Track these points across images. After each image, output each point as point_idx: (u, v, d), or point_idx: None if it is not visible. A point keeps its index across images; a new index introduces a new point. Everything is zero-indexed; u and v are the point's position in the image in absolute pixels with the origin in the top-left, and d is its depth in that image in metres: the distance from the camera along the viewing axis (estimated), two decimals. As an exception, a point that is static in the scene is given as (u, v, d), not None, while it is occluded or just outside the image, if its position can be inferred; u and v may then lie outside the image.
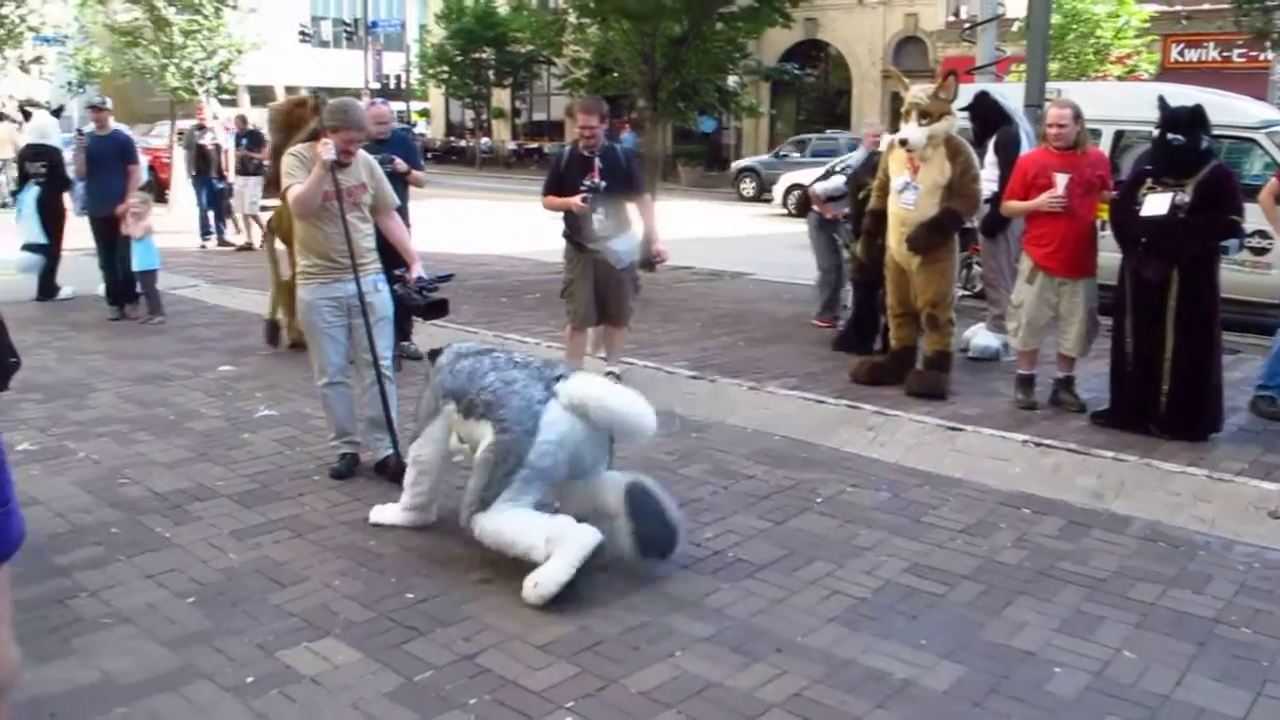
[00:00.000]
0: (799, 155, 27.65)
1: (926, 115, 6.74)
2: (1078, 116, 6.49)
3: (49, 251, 10.55)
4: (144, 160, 12.56)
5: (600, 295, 7.16)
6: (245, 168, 14.97)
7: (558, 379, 4.36)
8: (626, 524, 4.35)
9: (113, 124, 10.47)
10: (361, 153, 5.64)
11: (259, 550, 4.66)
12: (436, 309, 5.76)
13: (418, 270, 5.71)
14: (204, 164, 15.34)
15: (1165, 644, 3.91)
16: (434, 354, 4.98)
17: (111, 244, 9.89)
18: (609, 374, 7.20)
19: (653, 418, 4.33)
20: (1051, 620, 4.08)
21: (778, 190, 23.94)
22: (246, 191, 14.91)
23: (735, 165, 30.22)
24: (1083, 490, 5.48)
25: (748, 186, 27.62)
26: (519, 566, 4.41)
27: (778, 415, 6.72)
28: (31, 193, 10.43)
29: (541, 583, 4.09)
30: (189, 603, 4.15)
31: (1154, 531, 5.01)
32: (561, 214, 7.17)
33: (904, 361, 7.22)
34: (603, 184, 6.93)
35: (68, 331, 9.33)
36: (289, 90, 45.26)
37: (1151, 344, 6.02)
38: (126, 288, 9.97)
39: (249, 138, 15.34)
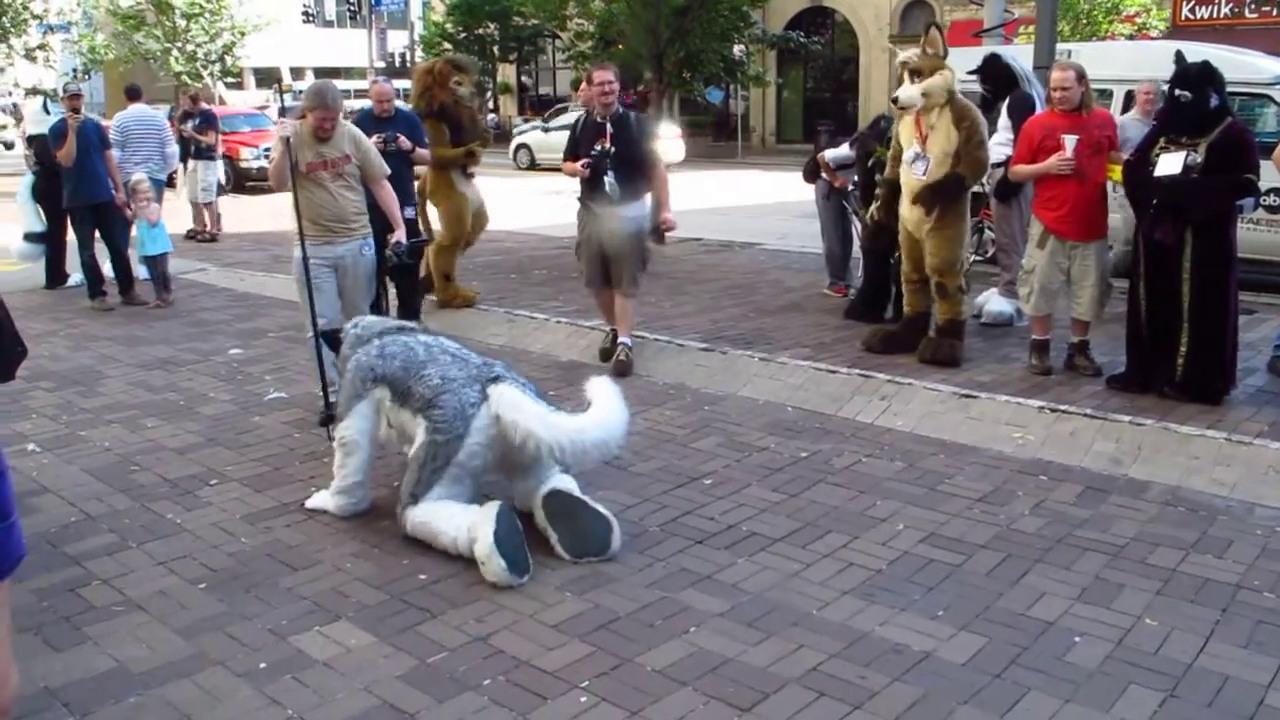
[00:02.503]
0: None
1: (918, 73, 6.69)
2: (1081, 78, 6.41)
3: (52, 239, 10.50)
4: (176, 147, 12.56)
5: (605, 260, 7.20)
6: (194, 151, 13.97)
7: (493, 380, 4.43)
8: (551, 534, 4.39)
9: (141, 109, 10.42)
10: (347, 126, 6.31)
11: (270, 534, 4.64)
12: (401, 270, 6.58)
13: (398, 235, 6.44)
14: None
15: (1187, 611, 3.85)
16: (333, 340, 5.14)
17: (107, 231, 9.76)
18: (612, 330, 7.27)
19: (580, 444, 4.20)
20: (1071, 589, 4.03)
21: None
22: (197, 176, 13.99)
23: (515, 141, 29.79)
24: (1100, 456, 5.42)
25: (524, 158, 28.34)
26: (531, 544, 4.40)
27: (790, 386, 6.67)
28: (27, 180, 10.38)
29: (486, 570, 4.12)
30: (201, 589, 4.14)
31: (1173, 496, 4.95)
32: (579, 178, 7.23)
33: (917, 329, 7.16)
34: (611, 149, 6.97)
35: (77, 319, 9.31)
36: (294, 72, 45.18)
37: (1167, 306, 5.93)
38: (123, 272, 9.90)
39: (200, 118, 14.16)
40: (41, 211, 10.33)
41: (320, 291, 6.10)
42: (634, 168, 7.08)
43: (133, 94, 12.45)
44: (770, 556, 4.36)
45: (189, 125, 14.07)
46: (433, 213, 9.11)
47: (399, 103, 8.63)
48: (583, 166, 7.04)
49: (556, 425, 4.23)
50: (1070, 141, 6.30)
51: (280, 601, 4.01)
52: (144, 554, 4.45)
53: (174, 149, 12.29)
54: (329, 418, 5.47)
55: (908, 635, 3.70)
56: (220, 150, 15.44)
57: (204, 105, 14.54)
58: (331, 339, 5.23)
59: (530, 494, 4.56)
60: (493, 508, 4.22)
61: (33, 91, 25.45)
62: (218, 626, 3.83)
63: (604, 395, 4.39)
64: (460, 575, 4.18)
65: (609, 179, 7.00)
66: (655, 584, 4.11)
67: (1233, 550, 4.37)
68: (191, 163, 14.02)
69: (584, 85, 8.29)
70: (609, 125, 7.04)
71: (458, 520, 4.28)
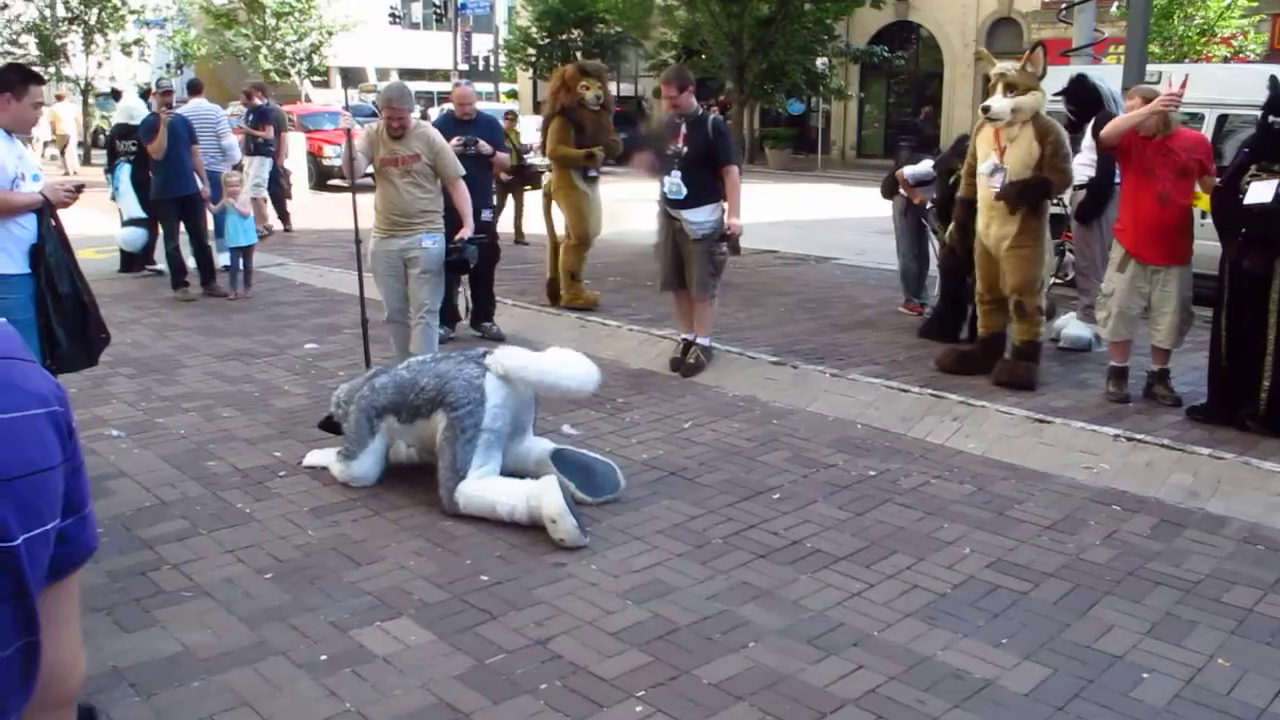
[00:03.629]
0: None
1: (1013, 87, 6.61)
2: (1148, 102, 6.26)
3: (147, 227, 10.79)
4: (235, 138, 12.71)
5: (680, 263, 7.29)
6: (249, 147, 13.53)
7: (484, 355, 4.94)
8: (568, 482, 4.85)
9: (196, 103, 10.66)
10: (424, 126, 6.67)
11: (337, 528, 4.70)
12: (456, 266, 6.74)
13: (462, 233, 6.60)
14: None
15: (1263, 653, 3.74)
16: (331, 425, 5.53)
17: (189, 223, 9.98)
18: (683, 340, 7.41)
19: (578, 376, 4.83)
20: (1141, 623, 3.94)
21: None
22: (250, 172, 13.27)
23: None
24: (1176, 488, 5.29)
25: None
26: (594, 551, 4.43)
27: (860, 403, 6.60)
28: (125, 170, 10.66)
29: (558, 528, 4.47)
30: (267, 578, 4.20)
31: (1252, 533, 4.81)
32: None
33: (992, 350, 7.05)
34: (684, 149, 7.07)
35: (160, 308, 9.53)
36: (380, 73, 45.85)
37: (1252, 337, 5.78)
38: (205, 264, 10.13)
39: (254, 114, 13.77)
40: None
41: (383, 281, 6.65)
42: (704, 169, 7.09)
43: (194, 88, 12.68)
44: (833, 574, 4.31)
45: (248, 121, 13.84)
46: (556, 215, 9.35)
47: (480, 105, 8.73)
48: (649, 164, 7.32)
49: (554, 362, 4.85)
50: (1178, 77, 6.11)
51: (343, 595, 4.06)
52: (213, 541, 4.54)
53: (230, 141, 12.34)
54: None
55: (970, 661, 3.64)
56: (295, 147, 15.36)
57: (259, 100, 14.13)
58: (329, 425, 5.58)
59: (523, 451, 5.08)
60: (550, 479, 4.63)
61: (114, 91, 26.17)
62: (281, 617, 3.89)
63: (570, 352, 5.01)
64: (522, 578, 4.20)
65: (670, 179, 7.12)
66: (716, 597, 4.09)
67: (1313, 592, 4.23)
68: (247, 158, 13.56)
69: None
70: (684, 127, 7.13)
71: (513, 490, 4.68)
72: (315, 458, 5.45)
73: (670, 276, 7.38)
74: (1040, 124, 6.62)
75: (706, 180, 7.11)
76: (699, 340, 7.35)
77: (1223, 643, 3.80)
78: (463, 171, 6.71)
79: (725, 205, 7.20)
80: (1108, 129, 6.45)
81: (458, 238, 6.62)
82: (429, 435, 4.95)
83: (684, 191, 7.08)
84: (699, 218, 7.13)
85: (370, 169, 6.63)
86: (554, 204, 9.30)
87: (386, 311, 6.75)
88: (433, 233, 6.57)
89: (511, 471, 4.93)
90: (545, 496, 4.52)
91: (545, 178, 9.71)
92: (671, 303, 7.76)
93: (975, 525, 4.84)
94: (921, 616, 3.97)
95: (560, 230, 9.25)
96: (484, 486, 4.71)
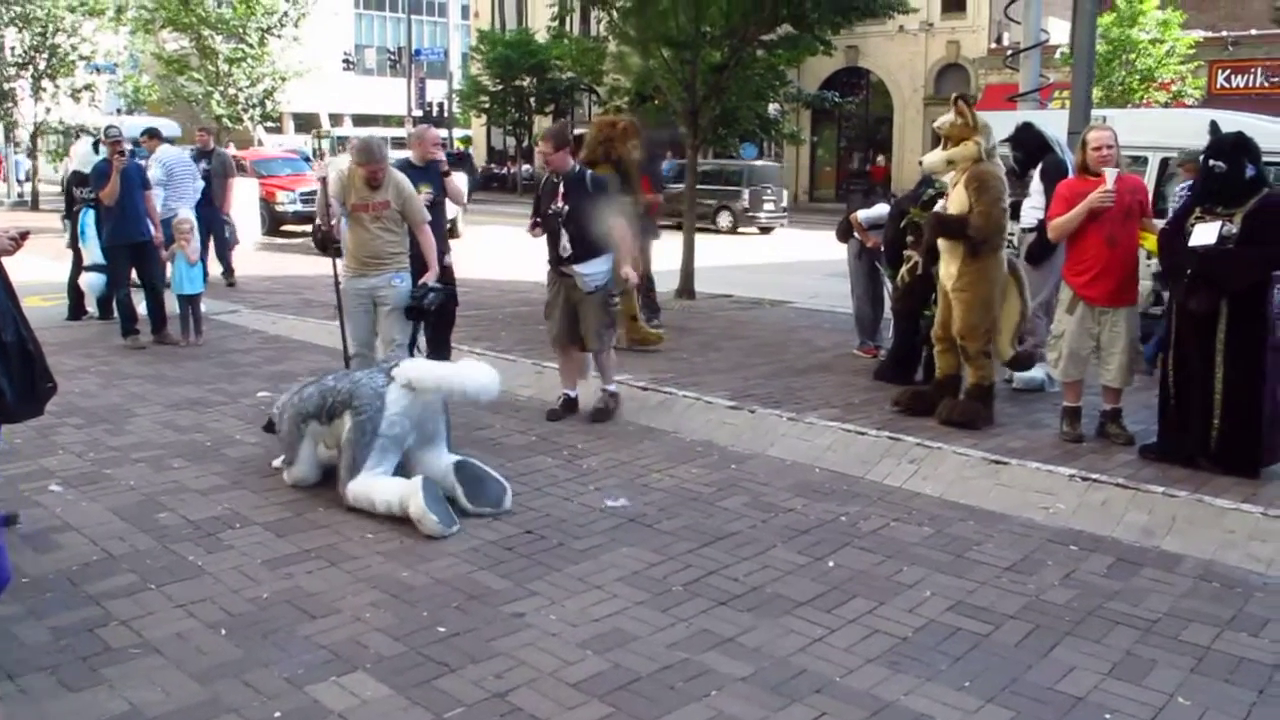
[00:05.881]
0: None
1: (947, 140, 6.76)
2: (1116, 139, 6.40)
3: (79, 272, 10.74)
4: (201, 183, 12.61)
5: (572, 319, 7.26)
6: None
7: (392, 368, 5.51)
8: (457, 489, 5.40)
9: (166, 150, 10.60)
10: (394, 174, 6.94)
11: (291, 580, 4.61)
12: (415, 313, 6.98)
13: (425, 277, 6.98)
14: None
15: (1222, 690, 3.75)
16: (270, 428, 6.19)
17: (142, 269, 9.88)
18: (603, 391, 7.40)
19: (476, 380, 5.35)
20: (1101, 663, 3.94)
21: None
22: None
23: None
24: (1132, 527, 5.33)
25: None
26: (553, 600, 4.37)
27: (818, 447, 6.61)
28: (90, 215, 10.53)
29: (423, 526, 5.08)
30: (219, 633, 4.10)
31: (1207, 571, 4.85)
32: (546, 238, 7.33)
33: (947, 391, 7.09)
34: (564, 208, 7.07)
35: (109, 356, 9.38)
36: (333, 118, 45.88)
37: (1200, 377, 5.86)
38: (157, 311, 9.99)
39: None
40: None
41: (353, 318, 7.04)
42: (589, 225, 7.05)
43: (156, 135, 12.56)
44: (794, 620, 4.29)
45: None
46: None
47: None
48: (531, 227, 7.36)
49: (454, 370, 5.49)
50: (1110, 174, 6.24)
51: (298, 650, 3.98)
52: (164, 596, 4.43)
53: (200, 184, 12.32)
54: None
55: (933, 706, 3.62)
56: (249, 192, 15.17)
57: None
58: (270, 428, 6.16)
59: (432, 465, 5.52)
60: (417, 480, 5.20)
61: (76, 131, 25.86)
62: (234, 673, 3.79)
63: (472, 362, 5.63)
64: (480, 629, 4.14)
65: (561, 240, 7.09)
66: (677, 645, 4.05)
67: (1269, 629, 4.26)
68: None
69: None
70: (562, 185, 7.13)
71: (391, 489, 5.23)
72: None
73: (563, 332, 7.33)
74: (972, 173, 6.71)
75: (592, 235, 7.05)
76: (607, 387, 7.37)
77: (1183, 681, 3.82)
78: (429, 217, 7.10)
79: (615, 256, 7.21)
80: (1054, 229, 6.59)
81: (421, 282, 6.91)
82: (339, 432, 5.48)
83: (570, 250, 7.07)
84: (590, 270, 7.10)
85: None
86: None
87: (354, 346, 7.09)
88: (400, 272, 6.94)
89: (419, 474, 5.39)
90: (411, 499, 5.10)
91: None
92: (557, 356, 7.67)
93: (935, 568, 4.84)
94: (884, 661, 3.95)
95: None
96: (368, 484, 5.28)
